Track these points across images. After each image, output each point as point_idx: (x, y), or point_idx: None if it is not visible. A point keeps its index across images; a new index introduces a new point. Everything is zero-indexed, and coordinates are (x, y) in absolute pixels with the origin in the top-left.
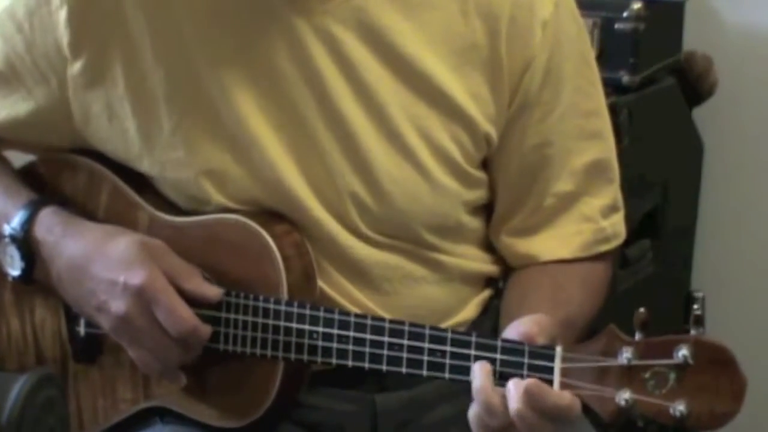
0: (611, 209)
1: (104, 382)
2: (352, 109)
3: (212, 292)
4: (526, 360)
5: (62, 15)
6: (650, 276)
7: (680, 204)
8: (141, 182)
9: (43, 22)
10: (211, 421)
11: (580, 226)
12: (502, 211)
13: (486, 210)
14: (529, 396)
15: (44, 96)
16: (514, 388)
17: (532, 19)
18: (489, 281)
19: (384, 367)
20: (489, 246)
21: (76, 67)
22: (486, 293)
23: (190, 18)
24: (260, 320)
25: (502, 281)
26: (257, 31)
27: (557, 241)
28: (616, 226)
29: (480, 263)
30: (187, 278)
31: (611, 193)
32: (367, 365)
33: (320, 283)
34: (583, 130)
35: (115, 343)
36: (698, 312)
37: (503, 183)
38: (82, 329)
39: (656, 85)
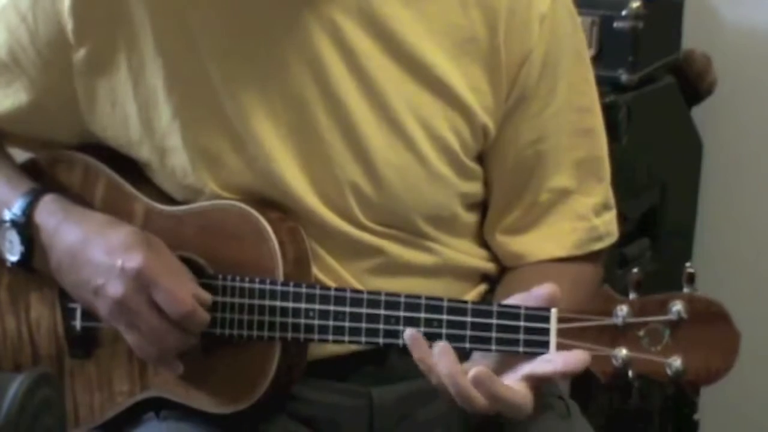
0: (603, 208)
1: (100, 376)
2: (353, 98)
3: (204, 296)
4: (522, 323)
5: (66, 3)
6: (649, 275)
7: (679, 203)
8: (136, 175)
9: (46, 11)
10: (208, 408)
11: (574, 224)
12: (498, 208)
13: (482, 208)
14: (477, 384)
15: (48, 85)
16: (439, 353)
17: (530, 13)
18: (484, 277)
19: (381, 341)
20: (485, 243)
21: (80, 54)
22: (481, 288)
23: (193, 5)
24: (256, 302)
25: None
26: (261, 20)
27: (551, 240)
28: (609, 224)
29: (476, 259)
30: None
31: (603, 191)
32: (363, 340)
33: (315, 270)
34: (576, 127)
35: (111, 336)
36: (691, 270)
37: (499, 179)
38: (78, 323)
39: (655, 84)
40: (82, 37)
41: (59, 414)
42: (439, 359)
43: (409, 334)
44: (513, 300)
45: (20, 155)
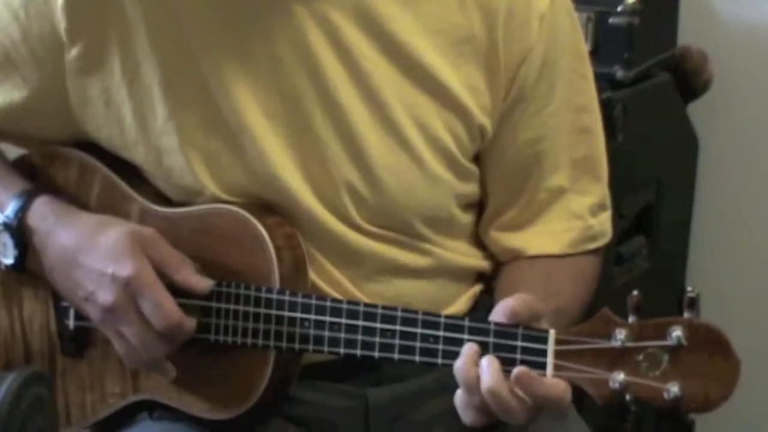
0: (599, 207)
1: (93, 376)
2: (349, 97)
3: (202, 284)
4: (519, 343)
5: (58, 1)
6: (645, 272)
7: (675, 200)
8: (133, 175)
9: (39, 9)
10: (201, 414)
11: (570, 223)
12: (495, 207)
13: (478, 208)
14: (519, 384)
15: (40, 83)
16: (487, 364)
17: (529, 12)
18: (480, 277)
19: (376, 354)
20: (481, 242)
21: (73, 53)
22: (476, 288)
23: (187, 4)
24: (251, 309)
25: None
26: (256, 17)
27: (546, 237)
28: (604, 224)
29: (471, 258)
30: (177, 269)
31: (599, 191)
32: (359, 352)
33: (312, 274)
34: (574, 126)
35: (105, 337)
36: (692, 295)
37: (496, 178)
38: (71, 322)
39: (651, 81)
40: (75, 36)
41: (51, 413)
42: (485, 370)
43: (470, 344)
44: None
45: (13, 151)
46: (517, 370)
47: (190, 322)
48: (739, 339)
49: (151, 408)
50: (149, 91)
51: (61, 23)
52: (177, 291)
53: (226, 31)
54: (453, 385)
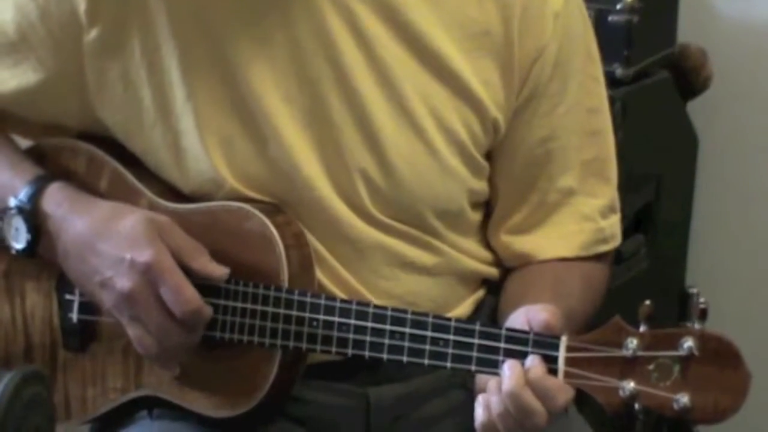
0: (609, 210)
1: (94, 371)
2: (366, 84)
3: (218, 271)
4: (530, 349)
5: None
6: (644, 271)
7: (674, 198)
8: (141, 169)
9: None
10: (203, 411)
11: (581, 225)
12: (504, 207)
13: (485, 208)
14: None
15: (56, 65)
16: (509, 368)
17: (544, 10)
18: (484, 282)
19: (385, 356)
20: (488, 246)
21: (92, 35)
22: (480, 292)
23: None
24: (259, 307)
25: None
26: (276, 4)
27: (558, 240)
28: (614, 227)
29: (478, 262)
30: (194, 256)
31: (609, 193)
32: (367, 354)
33: (318, 273)
34: (584, 127)
35: (108, 331)
36: (703, 306)
37: (507, 177)
38: (74, 316)
39: (650, 79)
40: (94, 18)
41: (48, 412)
42: (506, 374)
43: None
44: (521, 314)
45: (22, 143)
46: (530, 362)
47: (208, 310)
48: (737, 337)
49: (151, 407)
50: (168, 73)
51: (81, 4)
52: (192, 280)
53: (246, 14)
54: (454, 384)
